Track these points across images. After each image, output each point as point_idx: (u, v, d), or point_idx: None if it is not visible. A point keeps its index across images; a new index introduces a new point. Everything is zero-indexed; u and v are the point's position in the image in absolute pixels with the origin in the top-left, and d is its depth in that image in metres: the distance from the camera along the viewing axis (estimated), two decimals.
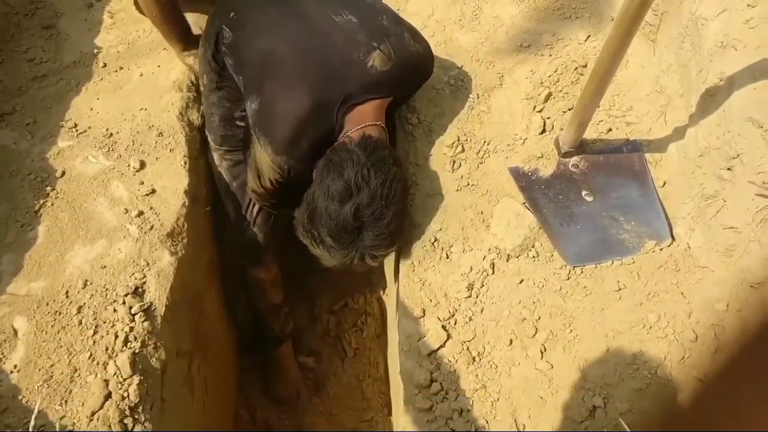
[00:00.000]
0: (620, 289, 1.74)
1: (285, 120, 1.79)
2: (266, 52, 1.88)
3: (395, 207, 1.66)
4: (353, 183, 1.64)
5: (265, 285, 2.33)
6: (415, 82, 2.04)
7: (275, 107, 1.83)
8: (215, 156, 2.22)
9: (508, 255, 1.83)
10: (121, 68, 2.29)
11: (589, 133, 1.95)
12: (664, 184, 1.90)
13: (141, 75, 2.27)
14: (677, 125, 1.91)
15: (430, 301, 1.78)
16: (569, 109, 2.02)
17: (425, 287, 1.80)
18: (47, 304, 1.68)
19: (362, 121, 1.79)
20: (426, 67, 2.04)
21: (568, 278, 1.78)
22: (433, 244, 1.87)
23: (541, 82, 2.12)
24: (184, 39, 2.25)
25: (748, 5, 1.62)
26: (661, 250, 1.79)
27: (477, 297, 1.77)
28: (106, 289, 1.73)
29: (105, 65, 2.29)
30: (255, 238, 2.20)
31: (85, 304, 1.69)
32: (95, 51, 2.34)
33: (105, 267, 1.77)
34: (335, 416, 2.52)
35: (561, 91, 2.10)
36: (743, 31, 1.62)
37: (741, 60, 1.60)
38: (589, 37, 2.21)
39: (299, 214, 1.76)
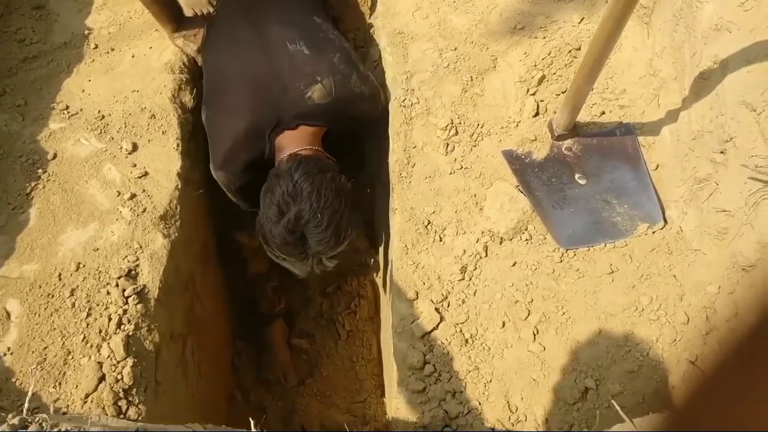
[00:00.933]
0: (613, 271, 1.74)
1: (223, 139, 1.97)
2: (219, 71, 2.06)
3: (329, 210, 1.74)
4: (282, 203, 1.74)
5: (249, 252, 2.41)
6: (354, 121, 2.08)
7: (217, 124, 2.02)
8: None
9: (501, 238, 1.83)
10: (113, 50, 2.27)
11: (583, 116, 1.95)
12: (657, 167, 1.91)
13: (133, 56, 2.26)
14: (670, 108, 1.91)
15: (424, 283, 1.78)
16: (563, 92, 2.02)
17: (418, 270, 1.81)
18: (40, 287, 1.68)
19: (294, 145, 1.89)
20: (367, 108, 2.10)
21: (561, 261, 1.79)
22: (426, 227, 1.87)
23: (535, 65, 2.12)
24: (175, 20, 2.23)
25: None
26: (653, 233, 1.80)
27: (470, 280, 1.78)
28: (99, 272, 1.72)
29: (96, 46, 2.27)
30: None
31: (78, 286, 1.69)
32: (86, 32, 2.32)
33: (98, 250, 1.77)
34: (328, 398, 2.54)
35: (554, 73, 2.09)
36: (738, 13, 1.61)
37: (735, 43, 1.60)
38: (583, 19, 2.20)
39: (262, 242, 1.87)
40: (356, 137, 2.30)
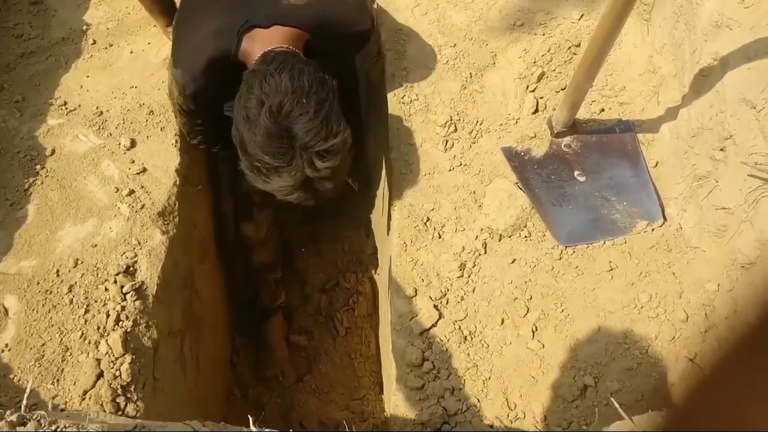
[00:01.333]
0: (612, 269, 1.74)
1: (188, 35, 1.83)
2: None
3: (317, 96, 1.58)
4: (262, 94, 1.58)
5: (253, 242, 2.36)
6: (339, 31, 1.93)
7: (185, 23, 1.89)
8: None
9: (501, 235, 1.83)
10: (111, 45, 2.27)
11: (582, 113, 1.95)
12: (657, 164, 1.90)
13: (131, 52, 2.25)
14: (670, 106, 1.91)
15: (422, 280, 1.78)
16: (562, 89, 2.02)
17: (417, 267, 1.80)
18: (38, 283, 1.67)
19: (267, 44, 1.73)
20: (352, 16, 1.94)
21: (560, 258, 1.79)
22: (425, 223, 1.87)
23: (534, 62, 2.11)
24: (168, 13, 2.21)
25: None
26: (653, 230, 1.80)
27: (469, 277, 1.78)
28: (98, 268, 1.72)
29: (94, 42, 2.27)
30: (247, 192, 2.22)
31: (76, 283, 1.68)
32: (84, 27, 2.31)
33: (96, 246, 1.76)
34: (327, 394, 2.53)
35: (554, 70, 2.09)
36: (738, 10, 1.61)
37: (735, 40, 1.59)
38: (582, 16, 2.19)
39: (241, 161, 1.70)
40: (345, 57, 2.18)
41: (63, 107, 2.06)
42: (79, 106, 2.08)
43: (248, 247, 2.38)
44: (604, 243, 1.80)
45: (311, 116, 1.55)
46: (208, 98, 1.87)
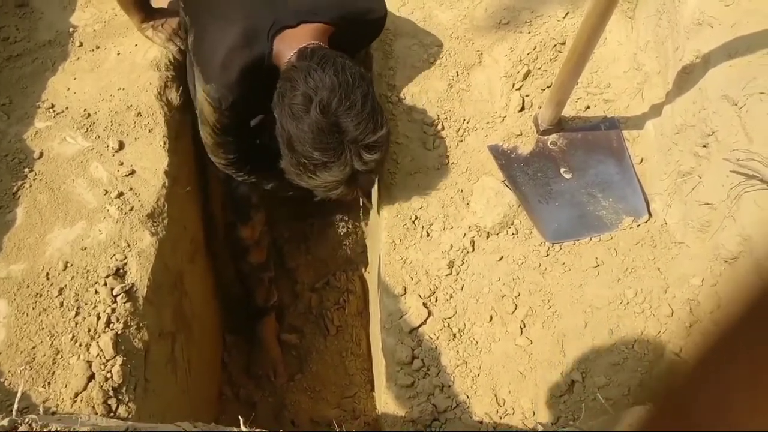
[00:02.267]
0: (598, 265, 1.76)
1: (215, 47, 1.78)
2: None
3: (361, 90, 1.60)
4: (308, 89, 1.59)
5: (249, 243, 2.37)
6: (361, 18, 1.92)
7: (207, 35, 1.83)
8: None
9: (488, 232, 1.85)
10: (98, 47, 2.26)
11: (568, 111, 1.97)
12: (642, 160, 1.92)
13: (118, 54, 2.25)
14: (654, 102, 1.93)
15: (411, 278, 1.79)
16: (548, 87, 2.03)
17: (406, 265, 1.82)
18: (28, 287, 1.68)
19: (298, 43, 1.72)
20: (368, 2, 1.93)
21: (547, 255, 1.80)
22: (413, 222, 1.88)
23: (520, 60, 2.13)
24: (143, 9, 2.20)
25: None
26: (638, 226, 1.82)
27: (457, 274, 1.79)
28: (87, 271, 1.72)
29: (81, 44, 2.26)
30: (245, 195, 2.25)
31: (66, 285, 1.69)
32: (71, 30, 2.30)
33: (85, 248, 1.76)
34: (318, 393, 2.55)
35: (540, 68, 2.11)
36: (719, 8, 1.63)
37: (717, 38, 1.62)
38: (567, 14, 2.21)
39: (283, 160, 1.71)
40: (362, 46, 2.15)
41: (50, 110, 2.06)
42: (67, 108, 2.07)
43: (243, 248, 2.38)
44: (591, 239, 1.82)
45: (359, 110, 1.57)
46: (243, 109, 1.84)
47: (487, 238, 1.85)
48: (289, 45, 1.73)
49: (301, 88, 1.59)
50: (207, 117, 1.87)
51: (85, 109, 2.06)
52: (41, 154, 1.95)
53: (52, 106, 2.07)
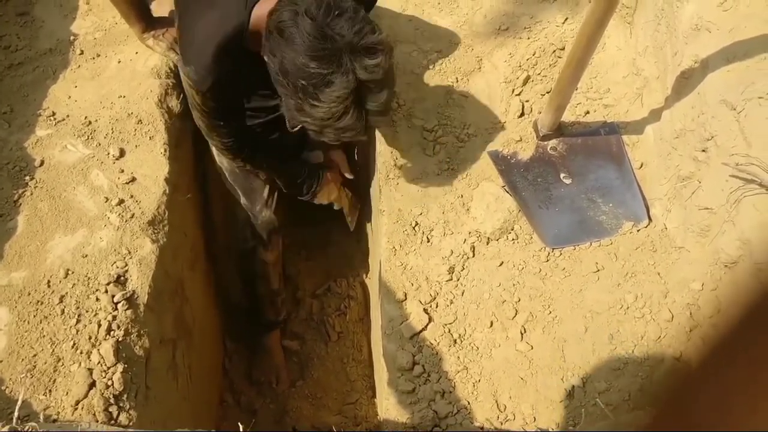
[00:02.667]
0: (598, 270, 1.76)
1: (193, 29, 1.72)
2: None
3: (351, 2, 1.52)
4: (294, 5, 1.50)
5: (269, 268, 2.37)
6: None
7: (187, 20, 1.76)
8: (215, 149, 2.18)
9: (488, 238, 1.85)
10: (99, 55, 2.27)
11: (567, 116, 1.97)
12: (641, 165, 1.93)
13: (119, 62, 2.25)
14: (653, 107, 1.94)
15: (412, 284, 1.79)
16: (547, 92, 2.04)
17: (407, 271, 1.82)
18: (29, 294, 1.68)
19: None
20: None
21: (547, 260, 1.80)
22: (414, 228, 1.89)
23: (520, 66, 2.13)
24: (143, 18, 2.20)
25: None
26: (638, 231, 1.82)
27: (458, 280, 1.79)
28: (88, 278, 1.72)
29: (82, 52, 2.27)
30: (269, 220, 2.25)
31: (67, 293, 1.69)
32: (71, 38, 2.31)
33: (86, 256, 1.77)
34: (320, 399, 2.55)
35: (539, 74, 2.11)
36: (717, 14, 1.64)
37: (715, 43, 1.62)
38: (566, 19, 2.21)
39: (283, 100, 1.60)
40: None
41: (51, 118, 2.07)
42: (68, 116, 2.08)
43: (263, 272, 2.38)
44: (591, 244, 1.82)
45: (351, 15, 1.49)
46: (227, 89, 1.76)
47: (488, 243, 1.85)
48: (267, 8, 1.60)
49: (286, 11, 1.51)
50: (194, 101, 1.83)
51: (85, 117, 2.07)
52: (42, 162, 1.96)
53: (53, 114, 2.08)
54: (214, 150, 2.19)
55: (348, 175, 2.30)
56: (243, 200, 2.24)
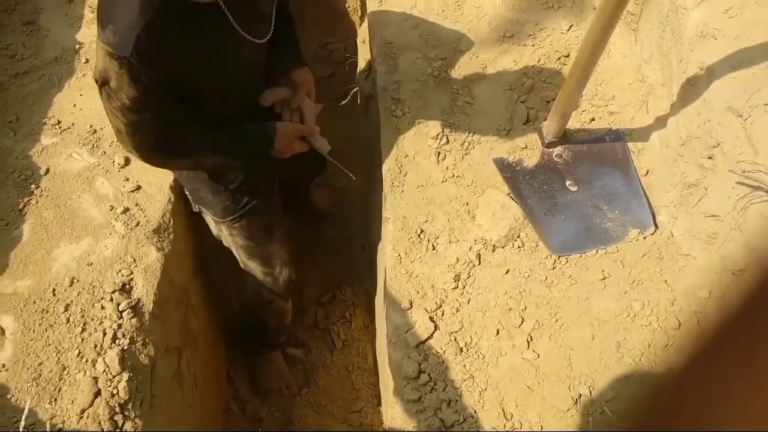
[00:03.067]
0: (605, 277, 1.76)
1: None
2: None
3: None
4: None
5: (286, 313, 2.39)
6: None
7: None
8: (221, 229, 2.07)
9: (494, 246, 1.84)
10: None
11: (573, 123, 1.97)
12: (647, 172, 1.92)
13: None
14: (659, 114, 1.93)
15: (417, 292, 1.79)
16: (552, 100, 2.03)
17: (412, 279, 1.81)
18: (34, 303, 1.68)
19: None
20: None
21: (554, 268, 1.80)
22: (419, 235, 1.88)
23: (524, 73, 2.13)
24: None
25: None
26: (644, 238, 1.81)
27: (464, 288, 1.79)
28: (93, 287, 1.73)
29: (87, 61, 2.28)
30: (289, 276, 2.20)
31: (72, 301, 1.69)
32: (77, 46, 2.32)
33: (91, 264, 1.77)
34: (325, 408, 2.54)
35: (544, 81, 2.11)
36: (722, 20, 1.63)
37: (720, 49, 1.62)
38: (571, 26, 2.22)
39: None
40: None
41: (57, 126, 2.08)
42: (73, 124, 2.09)
43: (281, 317, 2.39)
44: (597, 252, 1.81)
45: None
46: (157, 52, 1.41)
47: (493, 251, 1.84)
48: None
49: None
50: (114, 89, 1.45)
51: (91, 125, 2.08)
52: (47, 171, 1.97)
53: (59, 122, 2.09)
54: (211, 223, 2.05)
55: (308, 109, 1.88)
56: (260, 268, 2.15)
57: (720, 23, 1.63)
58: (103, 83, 1.46)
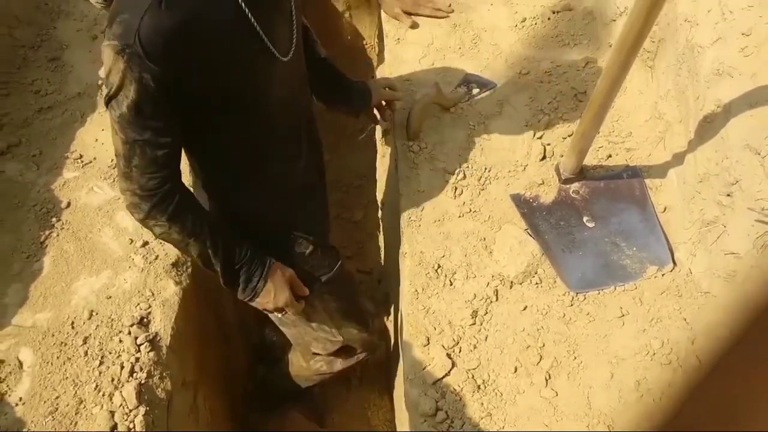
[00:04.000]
0: (623, 315, 1.74)
1: None
2: None
3: None
4: None
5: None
6: None
7: None
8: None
9: (512, 282, 1.84)
10: None
11: (589, 159, 1.97)
12: (665, 209, 1.92)
13: None
14: (676, 151, 1.93)
15: (435, 328, 1.78)
16: (569, 136, 2.04)
17: (429, 315, 1.81)
18: (53, 335, 1.69)
19: None
20: None
21: (572, 305, 1.79)
22: (436, 271, 1.88)
23: (541, 109, 2.15)
24: None
25: (743, 34, 1.64)
26: (663, 275, 1.80)
27: (481, 324, 1.78)
28: (112, 320, 1.74)
29: None
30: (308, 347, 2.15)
31: (90, 334, 1.70)
32: (99, 82, 2.36)
33: (110, 297, 1.78)
34: None
35: (561, 117, 2.12)
36: (738, 58, 1.64)
37: (737, 87, 1.62)
38: (587, 64, 2.23)
39: None
40: None
41: (79, 160, 2.11)
42: (95, 159, 2.12)
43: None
44: (615, 288, 1.80)
45: None
46: (167, 49, 1.26)
47: (511, 287, 1.84)
48: None
49: None
50: (115, 90, 1.31)
51: (112, 160, 2.11)
52: (69, 204, 1.99)
53: (81, 156, 2.12)
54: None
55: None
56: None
57: (736, 61, 1.64)
58: (108, 97, 1.32)
